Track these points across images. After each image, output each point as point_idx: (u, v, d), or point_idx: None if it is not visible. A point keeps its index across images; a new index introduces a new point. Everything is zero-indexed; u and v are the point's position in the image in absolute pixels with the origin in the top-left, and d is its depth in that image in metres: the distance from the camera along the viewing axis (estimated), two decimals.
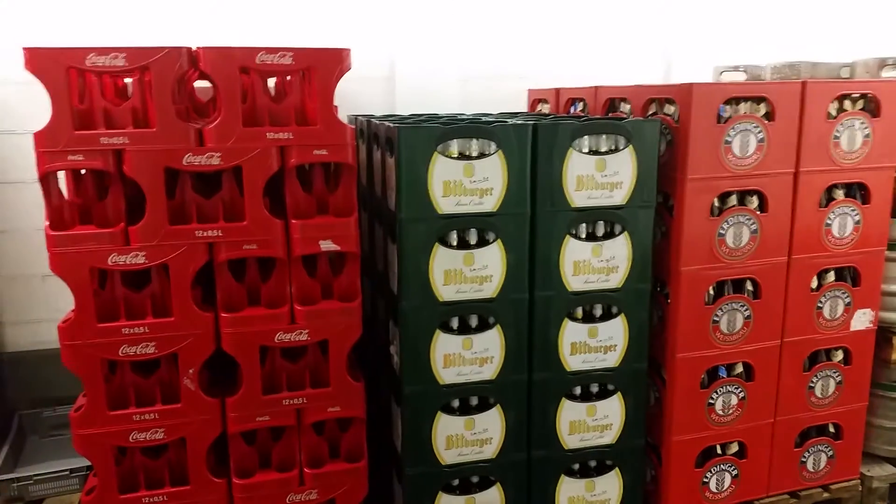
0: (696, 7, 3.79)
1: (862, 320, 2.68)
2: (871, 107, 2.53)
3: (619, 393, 2.44)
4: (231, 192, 2.08)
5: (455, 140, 2.15)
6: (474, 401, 2.35)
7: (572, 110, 3.14)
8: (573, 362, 2.39)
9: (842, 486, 2.80)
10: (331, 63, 2.02)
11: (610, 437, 2.46)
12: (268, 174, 2.04)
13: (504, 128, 2.17)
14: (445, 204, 2.15)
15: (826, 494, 2.79)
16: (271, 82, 2.38)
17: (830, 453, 2.76)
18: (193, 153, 1.97)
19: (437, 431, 2.29)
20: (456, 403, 2.32)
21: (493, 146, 2.16)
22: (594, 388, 2.45)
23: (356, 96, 3.31)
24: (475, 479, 2.39)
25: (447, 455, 2.32)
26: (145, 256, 2.00)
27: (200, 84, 2.38)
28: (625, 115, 2.70)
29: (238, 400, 2.14)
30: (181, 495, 2.16)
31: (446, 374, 2.27)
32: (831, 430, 2.77)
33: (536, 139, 2.20)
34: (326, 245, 2.11)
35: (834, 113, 2.49)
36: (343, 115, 2.20)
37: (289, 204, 2.11)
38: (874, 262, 2.66)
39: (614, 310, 2.40)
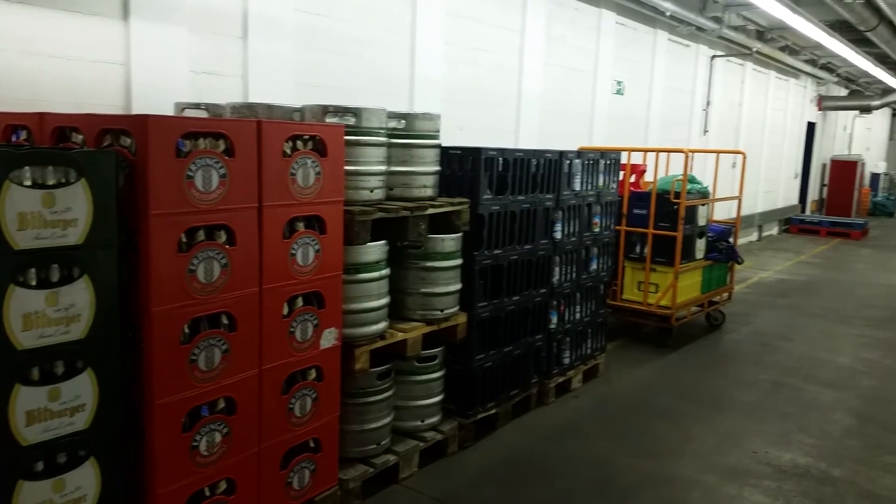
0: (159, 40, 3.70)
1: (329, 338, 2.95)
2: (320, 147, 2.82)
3: (92, 458, 2.16)
4: None
5: None
6: None
7: (14, 139, 2.70)
8: (31, 434, 2.03)
9: (324, 496, 3.03)
10: None
11: None
12: None
13: None
14: None
15: None
16: None
17: (313, 467, 2.96)
18: None
19: None
20: None
21: None
22: (62, 459, 2.12)
23: None
24: None
25: None
26: None
27: None
28: (77, 146, 2.44)
29: None
30: None
31: None
32: (311, 444, 2.97)
33: None
34: None
35: (289, 151, 2.70)
36: None
37: None
38: (334, 286, 2.96)
39: (80, 364, 2.13)
